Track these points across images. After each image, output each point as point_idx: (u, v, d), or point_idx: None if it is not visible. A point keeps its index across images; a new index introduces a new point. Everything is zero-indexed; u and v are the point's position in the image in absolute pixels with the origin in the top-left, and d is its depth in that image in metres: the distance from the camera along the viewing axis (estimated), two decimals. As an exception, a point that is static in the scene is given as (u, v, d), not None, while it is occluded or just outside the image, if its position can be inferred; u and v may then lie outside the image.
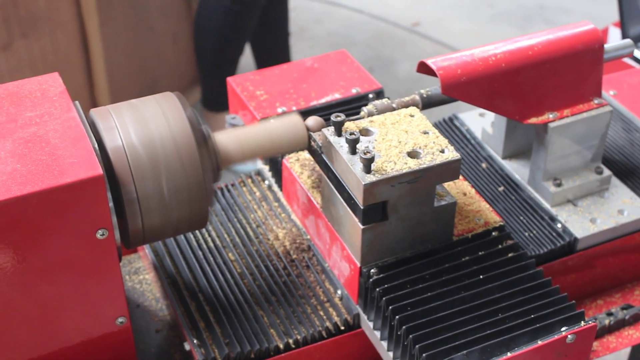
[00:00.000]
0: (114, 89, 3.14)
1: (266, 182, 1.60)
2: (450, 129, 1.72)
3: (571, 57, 1.45)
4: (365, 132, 1.28)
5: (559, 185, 1.51)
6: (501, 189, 1.56)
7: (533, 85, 1.44)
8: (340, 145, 1.25)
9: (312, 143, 1.33)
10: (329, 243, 1.37)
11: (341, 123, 1.26)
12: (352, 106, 1.60)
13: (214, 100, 3.30)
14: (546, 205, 1.52)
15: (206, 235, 1.51)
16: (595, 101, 1.50)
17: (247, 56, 3.41)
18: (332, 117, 1.27)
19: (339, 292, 1.38)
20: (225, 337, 1.32)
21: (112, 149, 1.20)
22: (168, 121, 1.23)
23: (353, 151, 1.23)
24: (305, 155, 1.47)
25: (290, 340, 1.32)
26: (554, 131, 1.46)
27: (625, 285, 1.59)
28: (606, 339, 1.47)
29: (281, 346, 1.32)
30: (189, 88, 3.59)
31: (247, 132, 1.34)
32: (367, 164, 1.19)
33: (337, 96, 1.62)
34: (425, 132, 1.28)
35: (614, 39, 2.40)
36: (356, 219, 1.25)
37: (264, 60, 3.35)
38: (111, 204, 1.16)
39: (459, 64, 1.39)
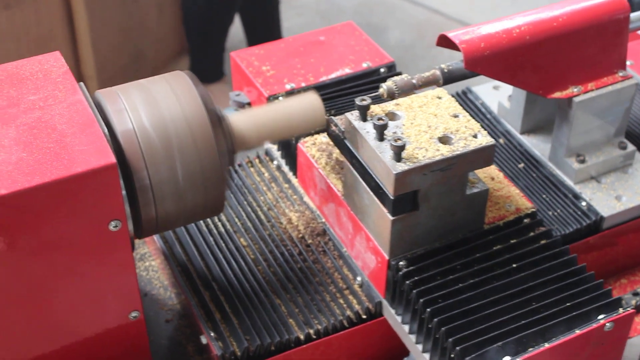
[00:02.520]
0: (100, 61, 3.04)
1: (275, 162, 1.53)
2: (464, 103, 1.65)
3: (596, 28, 1.38)
4: (391, 116, 1.21)
5: (582, 161, 1.45)
6: (521, 165, 1.50)
7: (557, 58, 1.38)
8: (367, 131, 1.17)
9: (333, 127, 1.25)
10: (352, 233, 1.30)
11: (366, 107, 1.19)
12: (364, 81, 1.53)
13: (203, 71, 3.20)
14: (569, 182, 1.46)
15: (216, 219, 1.43)
16: (620, 74, 1.44)
17: (236, 27, 3.31)
18: (357, 101, 1.19)
19: (359, 278, 1.32)
20: (243, 329, 1.25)
21: (123, 133, 1.12)
22: (180, 101, 1.15)
23: (381, 137, 1.16)
24: (321, 138, 1.40)
25: (311, 331, 1.26)
26: (579, 106, 1.40)
27: (649, 264, 1.54)
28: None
29: (302, 337, 1.26)
30: (175, 59, 3.48)
31: (263, 112, 1.26)
32: (398, 152, 1.12)
33: (347, 71, 1.54)
34: (456, 116, 1.20)
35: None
36: (385, 210, 1.18)
37: (253, 30, 3.25)
38: (124, 192, 1.08)
39: (482, 37, 1.31)
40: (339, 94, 1.50)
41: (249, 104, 1.56)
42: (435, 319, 1.14)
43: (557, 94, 1.39)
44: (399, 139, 1.12)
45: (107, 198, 1.05)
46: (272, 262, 1.36)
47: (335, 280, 1.33)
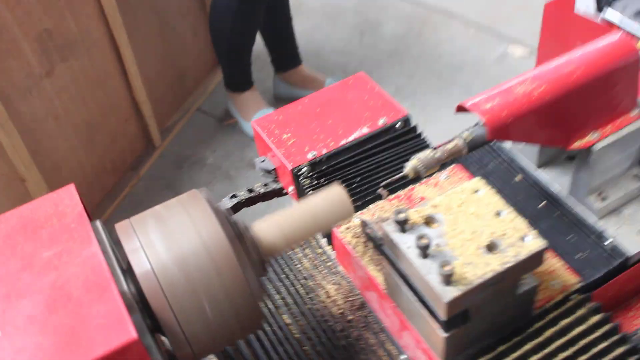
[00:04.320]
0: (149, 87, 2.67)
1: (306, 224, 1.17)
2: (475, 140, 1.26)
3: (611, 75, 1.00)
4: (430, 220, 0.84)
5: (604, 199, 1.07)
6: (542, 205, 1.13)
7: (577, 111, 1.00)
8: (407, 246, 0.81)
9: (367, 230, 0.89)
10: (398, 327, 0.94)
11: (404, 222, 0.82)
12: (382, 140, 1.15)
13: (235, 83, 2.82)
14: (591, 220, 1.09)
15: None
16: (634, 113, 1.05)
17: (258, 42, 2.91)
18: (394, 216, 0.82)
19: (403, 357, 0.97)
20: None
21: (142, 275, 0.77)
22: (198, 229, 0.80)
23: (425, 255, 0.80)
24: (355, 220, 1.03)
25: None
26: (598, 153, 1.02)
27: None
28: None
29: None
30: (212, 72, 3.09)
31: (288, 215, 0.90)
32: (447, 278, 0.76)
33: (365, 130, 1.17)
34: (498, 214, 0.83)
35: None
36: (436, 326, 0.82)
37: (273, 44, 2.85)
38: (152, 344, 0.74)
39: (503, 105, 0.93)
40: (361, 157, 1.13)
41: (275, 170, 1.20)
42: None
43: (577, 144, 1.01)
44: (447, 264, 0.75)
45: (136, 368, 0.71)
46: (316, 341, 1.02)
47: (380, 358, 0.99)
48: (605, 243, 1.05)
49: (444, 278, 0.75)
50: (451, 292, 0.75)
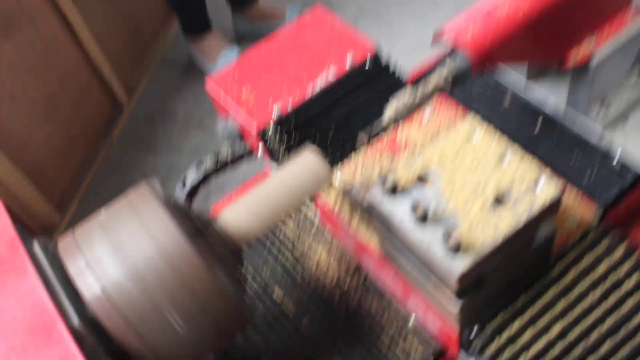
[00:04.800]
0: (105, 47, 2.45)
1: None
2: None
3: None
4: (422, 177, 0.68)
5: (607, 107, 0.92)
6: (537, 129, 0.97)
7: (569, 19, 0.83)
8: (401, 215, 0.66)
9: (352, 197, 0.74)
10: (403, 291, 0.80)
11: (394, 188, 0.66)
12: (355, 85, 0.98)
13: (192, 27, 2.60)
14: (594, 138, 0.94)
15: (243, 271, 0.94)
16: (630, 11, 0.88)
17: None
18: (381, 183, 0.66)
19: (412, 318, 0.84)
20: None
21: (92, 302, 0.62)
22: (153, 235, 0.65)
23: (422, 223, 0.64)
24: (337, 178, 0.87)
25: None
26: (598, 68, 0.86)
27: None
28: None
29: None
30: (168, 20, 2.85)
31: (258, 195, 0.74)
32: (455, 250, 0.61)
33: (332, 75, 0.99)
34: (501, 158, 0.68)
35: None
36: (447, 296, 0.68)
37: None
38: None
39: (486, 32, 0.77)
40: (332, 104, 0.96)
41: (240, 133, 1.03)
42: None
43: (574, 58, 0.85)
44: (451, 231, 0.60)
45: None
46: (314, 313, 0.88)
47: (388, 324, 0.86)
48: (616, 157, 0.91)
49: (450, 249, 0.61)
50: (460, 265, 0.61)
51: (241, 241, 0.72)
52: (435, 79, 0.79)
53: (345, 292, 0.89)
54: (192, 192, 0.97)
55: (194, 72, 2.72)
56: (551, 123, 0.96)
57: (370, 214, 0.71)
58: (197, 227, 0.68)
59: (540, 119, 0.97)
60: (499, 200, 0.65)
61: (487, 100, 1.00)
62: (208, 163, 1.05)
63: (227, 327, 0.68)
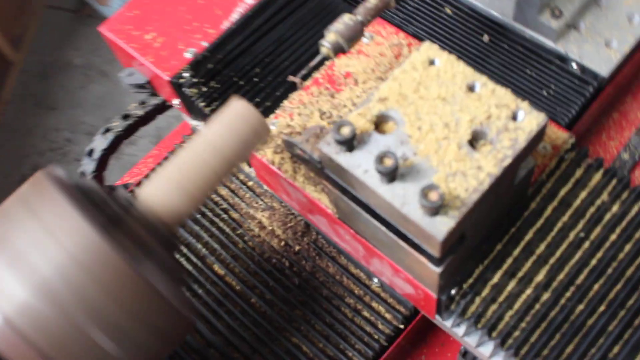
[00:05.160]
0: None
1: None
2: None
3: None
4: (382, 120, 0.56)
5: (559, 15, 0.82)
6: (485, 38, 0.86)
7: None
8: (364, 169, 0.53)
9: (296, 152, 0.61)
10: (364, 253, 0.69)
11: (351, 140, 0.53)
12: (274, 10, 0.84)
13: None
14: (548, 43, 0.84)
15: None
16: None
17: None
18: (335, 134, 0.53)
19: (375, 279, 0.74)
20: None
21: None
22: (57, 238, 0.50)
23: (392, 179, 0.53)
24: (272, 130, 0.74)
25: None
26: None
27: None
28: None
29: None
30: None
31: (183, 163, 0.60)
32: (434, 212, 0.50)
33: (248, 1, 0.84)
34: (471, 88, 0.56)
35: None
36: (424, 259, 0.57)
37: None
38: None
39: None
40: (254, 40, 0.82)
41: (149, 83, 0.87)
42: (503, 340, 0.59)
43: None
44: (429, 189, 0.49)
45: None
46: (262, 288, 0.77)
47: (347, 292, 0.75)
48: (574, 67, 0.82)
49: (430, 206, 0.50)
50: (445, 225, 0.50)
51: (173, 222, 0.59)
52: (375, -2, 0.66)
53: (295, 259, 0.78)
54: (102, 165, 0.81)
55: (86, 14, 2.47)
56: (499, 30, 0.86)
57: (322, 171, 0.59)
58: (115, 214, 0.54)
59: (486, 27, 0.86)
60: (475, 139, 0.54)
61: (426, 13, 0.88)
62: (116, 124, 0.89)
63: (169, 334, 0.56)
